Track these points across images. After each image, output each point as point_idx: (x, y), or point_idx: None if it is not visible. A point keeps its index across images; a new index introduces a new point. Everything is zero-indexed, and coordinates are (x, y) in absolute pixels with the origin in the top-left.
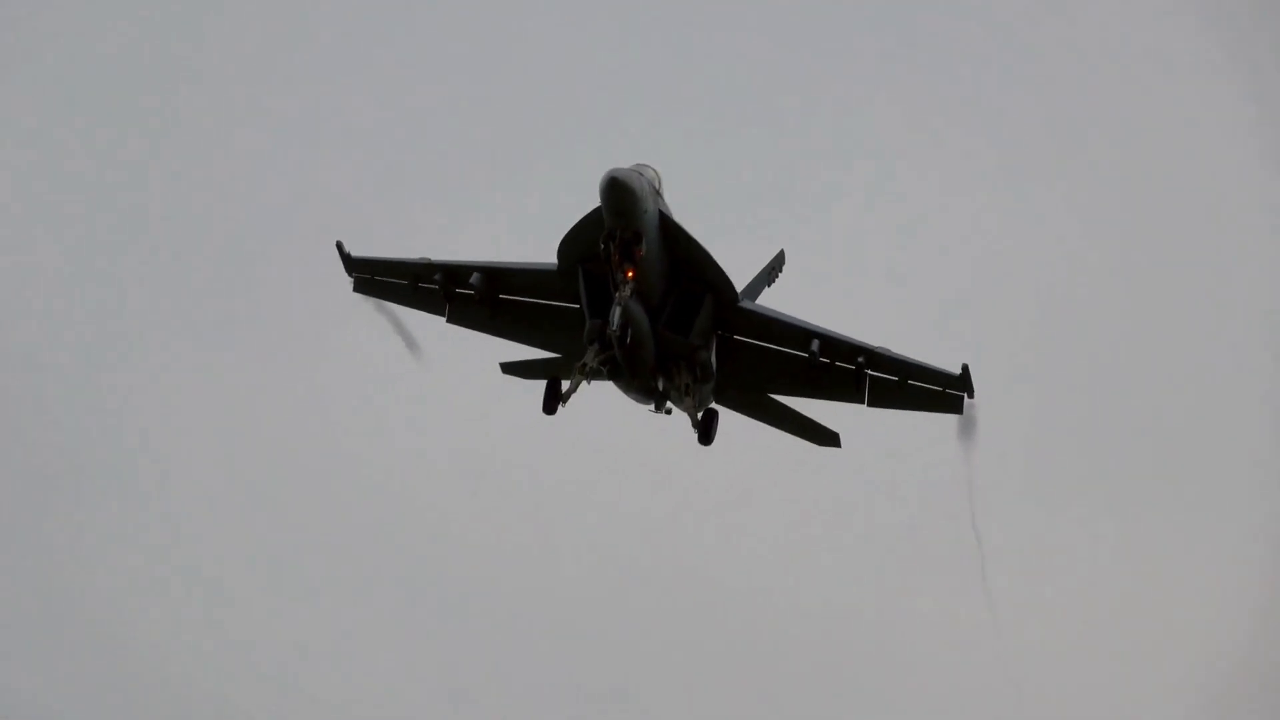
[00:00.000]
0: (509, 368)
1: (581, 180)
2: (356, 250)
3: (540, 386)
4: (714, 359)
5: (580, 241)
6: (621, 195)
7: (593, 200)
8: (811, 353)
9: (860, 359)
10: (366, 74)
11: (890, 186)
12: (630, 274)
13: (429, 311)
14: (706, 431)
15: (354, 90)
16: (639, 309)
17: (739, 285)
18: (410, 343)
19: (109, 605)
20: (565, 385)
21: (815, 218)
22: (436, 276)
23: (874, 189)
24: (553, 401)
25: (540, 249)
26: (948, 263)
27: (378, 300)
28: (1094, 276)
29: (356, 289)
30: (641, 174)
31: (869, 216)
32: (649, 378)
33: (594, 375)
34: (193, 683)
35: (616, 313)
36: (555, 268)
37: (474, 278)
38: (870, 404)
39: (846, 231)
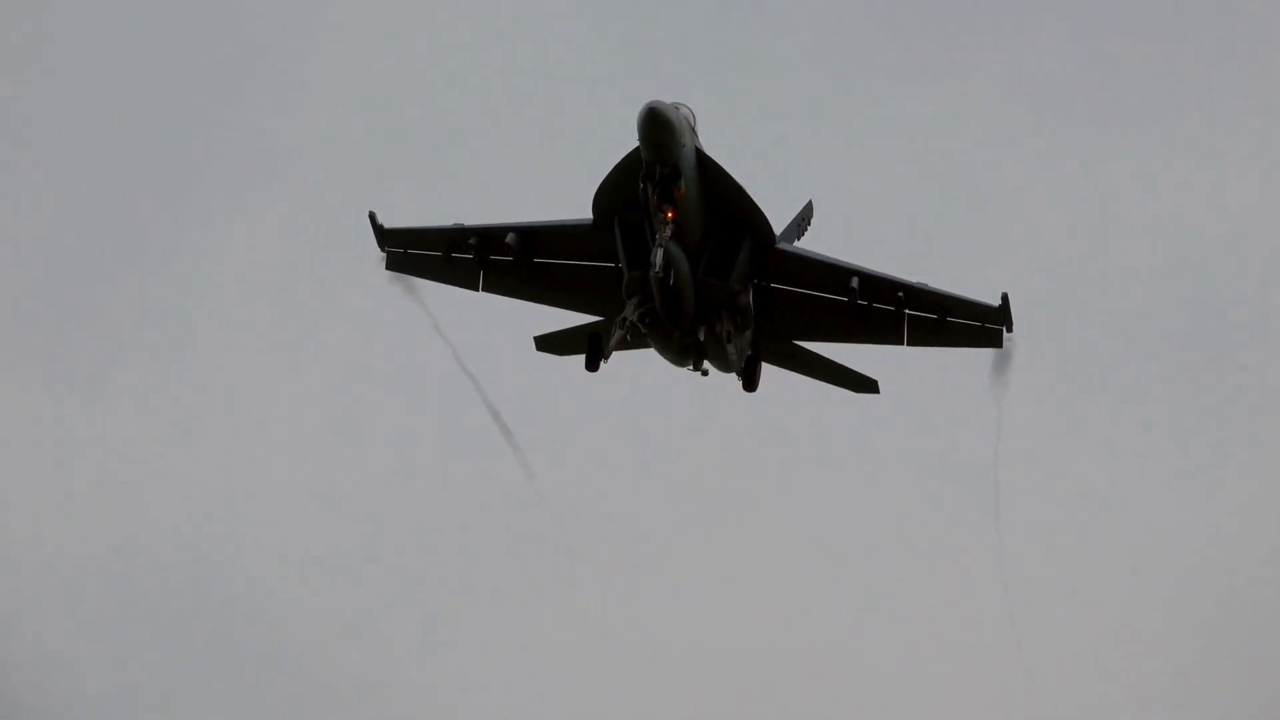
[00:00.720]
0: (544, 343)
1: (606, 134)
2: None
3: (572, 362)
4: (752, 305)
5: (617, 188)
6: (661, 127)
7: (620, 152)
8: (851, 290)
9: (900, 294)
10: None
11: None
12: (670, 214)
13: (462, 285)
14: (751, 378)
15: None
16: (679, 251)
17: None
18: (519, 457)
19: None
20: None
21: (844, 166)
22: (471, 241)
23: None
24: (595, 358)
25: (571, 206)
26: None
27: (412, 282)
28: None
29: (389, 267)
30: (678, 109)
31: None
32: (689, 328)
33: (634, 333)
34: None
35: (659, 254)
36: (590, 222)
37: (509, 238)
38: (909, 344)
39: (877, 180)
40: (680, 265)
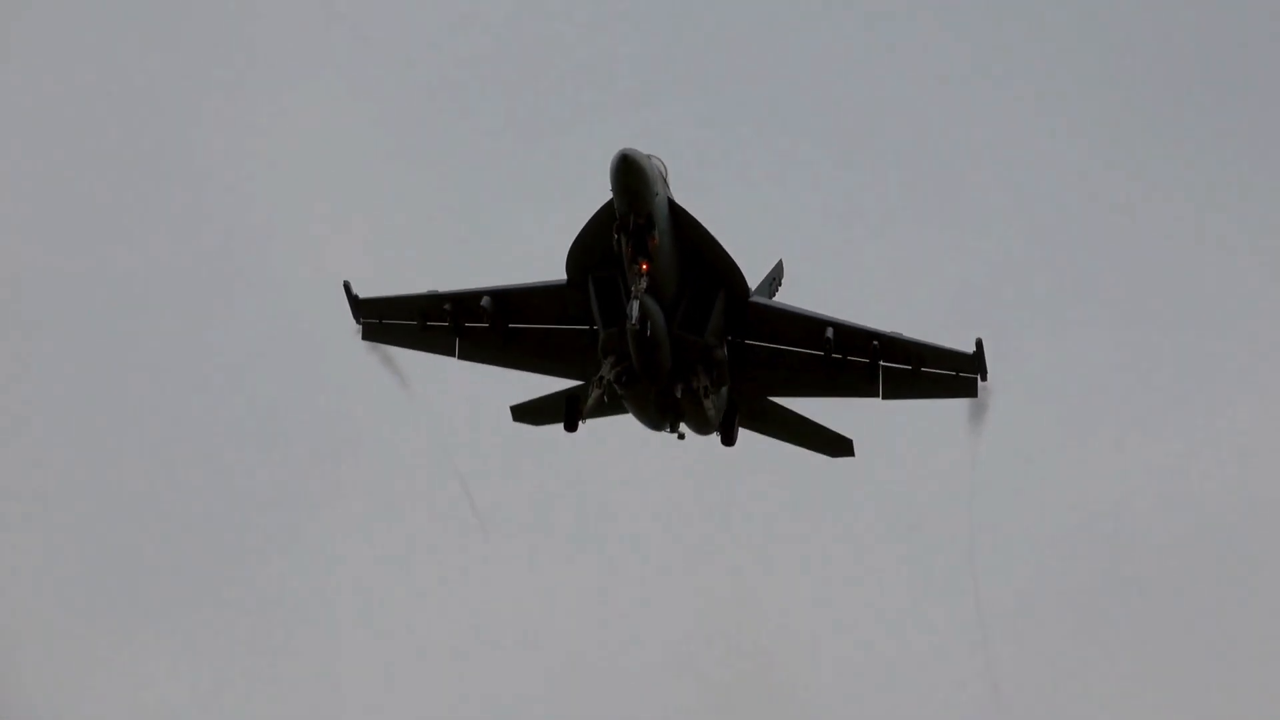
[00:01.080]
0: (520, 414)
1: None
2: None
3: (549, 433)
4: (728, 360)
5: (590, 244)
6: (634, 173)
7: (589, 211)
8: (826, 342)
9: (874, 343)
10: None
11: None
12: (645, 266)
13: (439, 353)
14: (729, 433)
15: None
16: (654, 305)
17: None
18: (481, 519)
19: None
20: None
21: (814, 227)
22: (446, 307)
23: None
24: (573, 419)
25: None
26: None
27: (387, 350)
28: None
29: (366, 337)
30: (650, 159)
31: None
32: (666, 385)
33: (610, 394)
34: None
35: (635, 306)
36: (564, 282)
37: (484, 301)
38: (885, 396)
39: (846, 241)
40: (656, 319)
